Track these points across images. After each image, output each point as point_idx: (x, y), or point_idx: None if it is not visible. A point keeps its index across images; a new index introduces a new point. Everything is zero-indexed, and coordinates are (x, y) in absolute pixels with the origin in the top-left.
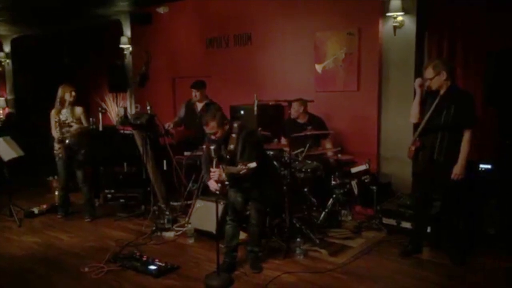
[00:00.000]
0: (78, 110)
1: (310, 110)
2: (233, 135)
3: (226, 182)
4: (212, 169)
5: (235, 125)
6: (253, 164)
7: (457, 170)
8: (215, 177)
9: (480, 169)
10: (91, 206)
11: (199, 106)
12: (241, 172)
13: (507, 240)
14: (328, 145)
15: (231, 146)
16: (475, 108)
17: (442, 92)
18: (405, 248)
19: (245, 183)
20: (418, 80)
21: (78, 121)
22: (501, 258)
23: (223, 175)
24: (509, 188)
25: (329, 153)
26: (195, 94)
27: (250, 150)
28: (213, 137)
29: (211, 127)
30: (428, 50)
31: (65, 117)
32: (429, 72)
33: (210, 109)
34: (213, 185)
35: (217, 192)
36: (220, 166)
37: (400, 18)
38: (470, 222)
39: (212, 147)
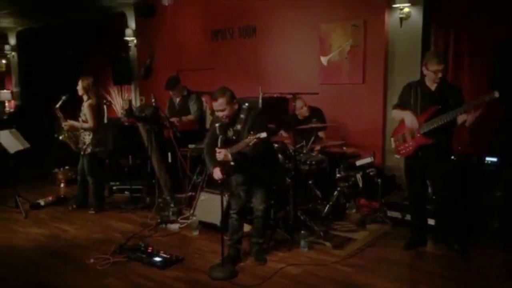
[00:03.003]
0: (85, 105)
1: (315, 103)
2: (242, 116)
3: (232, 163)
4: (217, 149)
5: (244, 106)
6: (263, 134)
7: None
8: (220, 157)
9: (486, 161)
10: (96, 199)
11: (177, 100)
12: (250, 143)
13: (510, 233)
14: (321, 135)
15: (238, 127)
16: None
17: (435, 87)
18: (409, 241)
19: (250, 164)
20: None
21: (85, 116)
22: (504, 251)
23: (229, 156)
24: None
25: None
26: (171, 93)
27: (260, 124)
28: (220, 114)
29: (220, 104)
30: (434, 42)
31: (82, 112)
32: (443, 65)
33: (221, 87)
34: (217, 174)
35: (220, 181)
36: (227, 149)
37: (406, 10)
38: (473, 214)
39: (217, 125)
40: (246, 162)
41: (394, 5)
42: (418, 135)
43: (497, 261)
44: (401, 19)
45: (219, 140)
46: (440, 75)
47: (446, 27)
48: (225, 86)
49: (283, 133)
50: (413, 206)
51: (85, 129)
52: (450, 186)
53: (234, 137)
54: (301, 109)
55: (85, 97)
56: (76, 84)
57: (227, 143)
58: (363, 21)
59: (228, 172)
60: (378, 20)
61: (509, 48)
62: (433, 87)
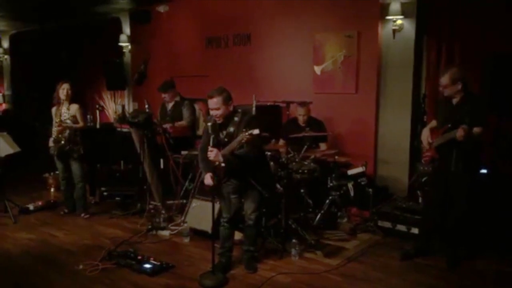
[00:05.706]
0: (73, 107)
1: None
2: (236, 119)
3: (222, 164)
4: (209, 147)
5: (239, 110)
6: (256, 131)
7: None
8: (212, 156)
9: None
10: (85, 201)
11: (169, 106)
12: (243, 140)
13: (500, 244)
14: (323, 147)
15: (231, 129)
16: (486, 109)
17: (456, 101)
18: (407, 252)
19: (241, 172)
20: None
21: (74, 118)
22: (495, 261)
23: (220, 156)
24: (504, 192)
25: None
26: (164, 96)
27: (254, 125)
28: (215, 112)
29: (215, 102)
30: (427, 54)
31: (63, 116)
32: (445, 79)
33: (219, 87)
34: (208, 180)
35: (211, 184)
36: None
37: (399, 22)
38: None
39: (209, 124)
40: (238, 170)
41: (388, 17)
42: (432, 147)
43: (488, 271)
44: (394, 30)
45: (211, 138)
46: (445, 91)
47: (438, 39)
48: (223, 86)
49: (280, 141)
50: (426, 213)
51: (78, 129)
52: (461, 201)
53: (226, 139)
54: (303, 116)
55: (67, 101)
56: (63, 88)
57: (219, 145)
58: (357, 32)
59: (219, 177)
60: (372, 31)
61: (501, 61)
62: (454, 101)
